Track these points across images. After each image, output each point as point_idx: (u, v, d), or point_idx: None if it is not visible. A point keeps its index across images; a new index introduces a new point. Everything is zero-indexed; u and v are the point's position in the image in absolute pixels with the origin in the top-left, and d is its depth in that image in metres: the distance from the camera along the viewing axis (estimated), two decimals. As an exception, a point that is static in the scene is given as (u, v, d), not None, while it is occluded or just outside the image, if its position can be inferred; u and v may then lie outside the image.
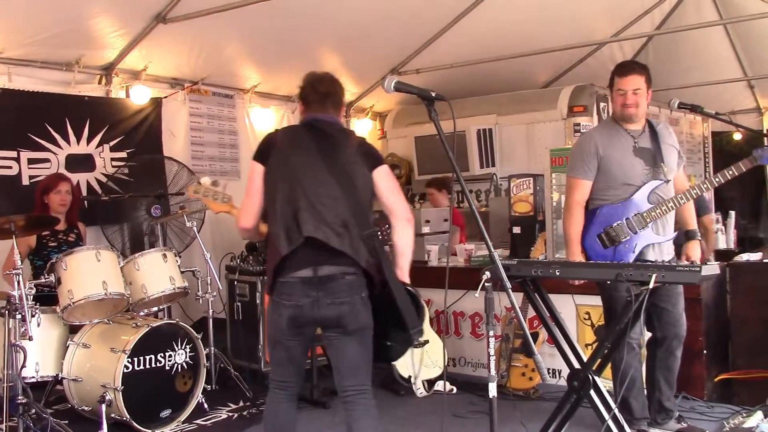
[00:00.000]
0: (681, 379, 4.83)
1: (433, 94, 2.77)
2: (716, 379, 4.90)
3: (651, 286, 3.14)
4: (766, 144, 4.24)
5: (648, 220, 3.93)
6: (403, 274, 3.16)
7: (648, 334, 4.23)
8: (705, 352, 4.83)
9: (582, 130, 6.66)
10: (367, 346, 3.13)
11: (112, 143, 6.13)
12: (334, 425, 4.35)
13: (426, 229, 6.23)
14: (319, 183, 3.09)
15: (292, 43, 6.47)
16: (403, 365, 5.41)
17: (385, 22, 6.57)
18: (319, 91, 3.27)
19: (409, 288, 3.20)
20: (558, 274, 3.47)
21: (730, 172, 3.82)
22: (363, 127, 8.41)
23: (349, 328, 3.07)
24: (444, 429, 4.28)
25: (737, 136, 10.07)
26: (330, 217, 3.05)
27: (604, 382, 3.51)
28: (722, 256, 5.61)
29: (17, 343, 4.23)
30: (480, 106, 7.44)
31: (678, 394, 4.82)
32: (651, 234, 3.95)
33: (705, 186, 4.03)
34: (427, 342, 2.94)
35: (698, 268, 3.15)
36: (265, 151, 3.21)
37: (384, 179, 3.19)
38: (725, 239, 6.58)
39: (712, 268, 3.28)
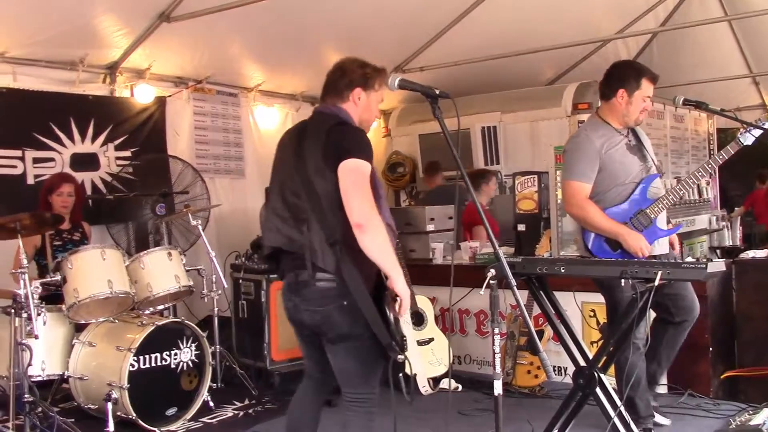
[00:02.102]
0: (687, 377, 4.84)
1: (437, 92, 2.78)
2: (722, 377, 4.89)
3: (656, 283, 3.13)
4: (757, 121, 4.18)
5: (652, 216, 3.92)
6: (392, 282, 2.86)
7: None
8: (711, 349, 4.82)
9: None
10: (357, 355, 2.98)
11: (116, 142, 6.14)
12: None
13: (430, 227, 6.22)
14: (289, 188, 3.01)
15: (296, 41, 6.46)
16: (407, 363, 5.40)
17: (388, 20, 6.56)
18: (323, 85, 3.22)
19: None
20: (563, 271, 3.46)
21: (721, 157, 3.87)
22: (367, 125, 8.40)
23: (329, 336, 2.98)
24: (449, 427, 4.28)
25: (742, 133, 10.03)
26: (294, 224, 2.95)
27: (610, 380, 3.51)
28: (728, 253, 5.59)
29: (23, 341, 4.24)
30: (484, 104, 7.42)
31: (684, 392, 4.82)
32: (657, 229, 3.94)
33: (699, 174, 4.01)
34: (404, 359, 2.83)
35: (704, 265, 3.14)
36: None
37: (342, 177, 2.87)
38: (730, 236, 6.56)
39: (718, 265, 3.27)
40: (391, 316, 2.88)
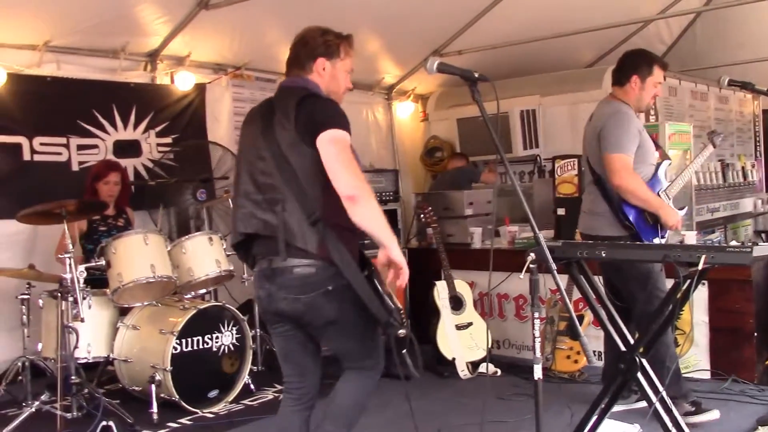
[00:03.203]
0: (731, 363, 4.77)
1: (476, 75, 2.75)
2: (767, 362, 4.81)
3: (700, 267, 3.08)
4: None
5: (670, 196, 4.16)
6: (389, 251, 2.65)
7: None
8: (756, 334, 4.74)
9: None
10: (353, 335, 2.84)
11: (157, 129, 6.21)
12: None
13: (469, 211, 6.20)
14: (259, 168, 2.79)
15: (333, 26, 6.37)
16: (446, 347, 5.42)
17: (426, 4, 6.51)
18: (287, 58, 2.98)
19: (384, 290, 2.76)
20: (604, 255, 3.42)
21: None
22: (405, 110, 8.39)
23: (314, 325, 2.80)
24: (487, 411, 4.28)
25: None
26: (268, 206, 2.75)
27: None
28: (773, 236, 5.49)
29: (70, 324, 4.35)
30: (523, 87, 7.35)
31: (728, 378, 4.75)
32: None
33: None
34: (404, 332, 2.66)
35: (749, 249, 3.08)
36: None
37: (323, 149, 2.66)
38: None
39: (764, 249, 3.20)
40: (383, 292, 2.71)
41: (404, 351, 2.72)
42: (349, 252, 2.69)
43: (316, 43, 2.92)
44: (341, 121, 2.72)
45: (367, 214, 2.63)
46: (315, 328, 2.82)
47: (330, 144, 2.66)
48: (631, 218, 4.07)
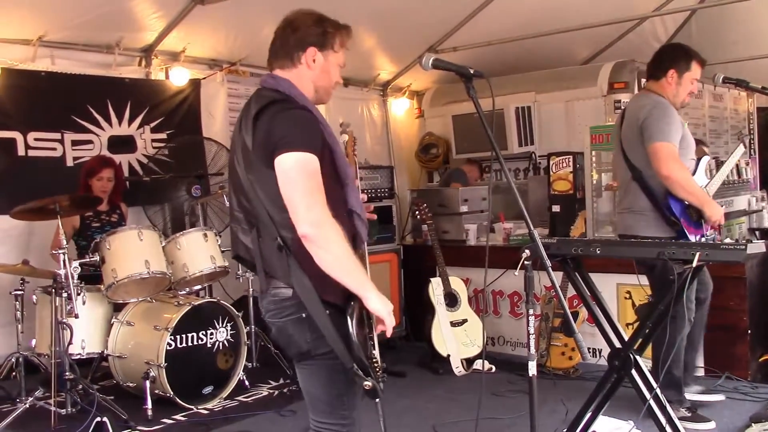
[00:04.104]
0: (725, 360, 4.78)
1: (472, 71, 2.74)
2: (760, 359, 4.83)
3: (695, 264, 3.09)
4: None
5: (710, 193, 4.05)
6: (365, 302, 2.31)
7: None
8: (749, 331, 4.75)
9: (622, 107, 6.55)
10: (319, 378, 2.43)
11: (152, 124, 6.19)
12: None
13: (464, 208, 6.21)
14: (239, 187, 2.45)
15: (329, 22, 6.42)
16: (441, 344, 5.42)
17: (421, 0, 6.51)
18: (270, 46, 2.57)
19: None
20: (599, 252, 3.42)
21: None
22: (400, 107, 8.38)
23: (288, 353, 2.49)
24: (482, 407, 4.28)
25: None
26: (248, 227, 2.45)
27: (645, 362, 3.48)
28: (767, 234, 5.50)
29: (64, 320, 4.34)
30: (518, 84, 7.35)
31: (722, 375, 4.77)
32: None
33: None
34: (369, 387, 2.27)
35: (743, 247, 3.09)
36: None
37: (279, 175, 2.29)
38: (771, 217, 6.43)
39: (757, 247, 3.21)
40: (353, 333, 2.29)
41: (377, 400, 2.34)
42: (317, 284, 2.31)
43: (310, 31, 2.49)
44: (305, 140, 2.30)
45: (327, 258, 2.26)
46: (291, 358, 2.51)
47: (286, 172, 2.27)
48: (677, 213, 3.92)
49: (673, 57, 4.08)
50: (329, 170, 2.37)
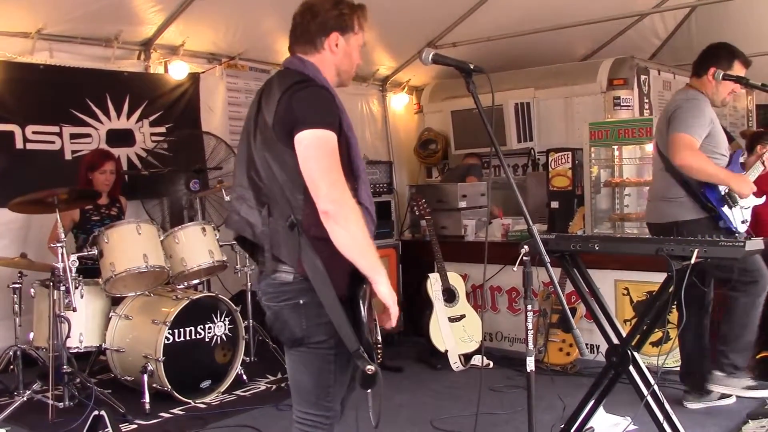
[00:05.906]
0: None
1: (471, 66, 2.73)
2: (758, 357, 4.83)
3: (693, 261, 3.09)
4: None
5: None
6: (375, 285, 2.30)
7: None
8: (747, 328, 4.75)
9: (623, 104, 6.56)
10: (309, 367, 2.43)
11: (151, 118, 6.18)
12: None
13: (462, 204, 6.21)
14: (252, 164, 2.44)
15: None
16: (439, 340, 5.43)
17: (421, -5, 6.51)
18: (290, 31, 2.59)
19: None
20: (597, 248, 3.43)
21: None
22: (399, 102, 8.37)
23: (281, 338, 2.47)
24: (480, 403, 4.29)
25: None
26: (255, 205, 2.42)
27: (643, 359, 3.48)
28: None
29: (62, 314, 4.34)
30: (517, 80, 7.34)
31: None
32: (753, 198, 4.10)
33: None
34: (373, 374, 2.22)
35: (742, 243, 3.09)
36: None
37: (300, 152, 2.29)
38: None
39: (756, 243, 3.22)
40: (365, 318, 2.29)
41: (369, 391, 2.29)
42: (327, 266, 2.29)
43: (329, 15, 2.50)
44: (325, 118, 2.32)
45: (344, 236, 2.25)
46: (285, 344, 2.49)
47: (308, 148, 2.27)
48: (714, 201, 3.99)
49: (715, 55, 4.15)
50: (344, 160, 2.36)
